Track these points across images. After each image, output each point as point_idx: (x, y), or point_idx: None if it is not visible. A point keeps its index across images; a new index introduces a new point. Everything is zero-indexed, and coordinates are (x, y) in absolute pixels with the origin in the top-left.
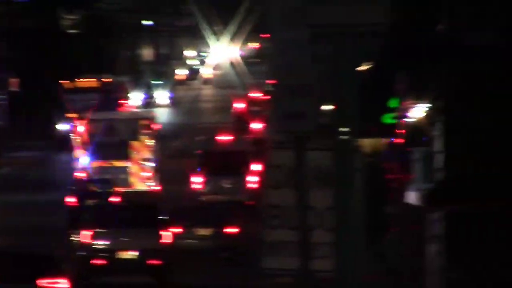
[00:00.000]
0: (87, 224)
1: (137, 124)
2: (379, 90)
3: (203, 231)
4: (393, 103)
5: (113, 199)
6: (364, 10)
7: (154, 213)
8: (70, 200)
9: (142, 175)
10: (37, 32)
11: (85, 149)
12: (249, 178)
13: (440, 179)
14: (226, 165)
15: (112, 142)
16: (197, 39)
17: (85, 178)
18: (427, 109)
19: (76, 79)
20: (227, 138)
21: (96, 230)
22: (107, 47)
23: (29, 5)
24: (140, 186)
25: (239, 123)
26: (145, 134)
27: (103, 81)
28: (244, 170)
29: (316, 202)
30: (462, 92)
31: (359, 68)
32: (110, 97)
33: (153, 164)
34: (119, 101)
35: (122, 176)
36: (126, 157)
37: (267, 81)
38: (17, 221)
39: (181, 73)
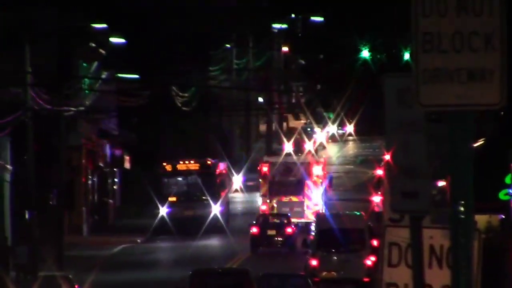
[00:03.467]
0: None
1: (309, 166)
2: (494, 167)
3: None
4: (507, 179)
5: (289, 229)
6: (479, 88)
7: None
8: (253, 230)
9: (313, 208)
10: (148, 110)
11: (267, 187)
12: (366, 254)
13: None
14: (343, 240)
15: (290, 181)
16: (306, 116)
17: (267, 212)
18: None
19: (176, 162)
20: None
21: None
22: (218, 124)
23: (139, 83)
24: (312, 217)
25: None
26: (316, 176)
27: (202, 163)
28: (361, 246)
29: (432, 280)
30: None
31: (474, 145)
32: (210, 180)
33: (322, 199)
34: (219, 183)
35: (297, 209)
36: (301, 193)
37: (383, 158)
38: None
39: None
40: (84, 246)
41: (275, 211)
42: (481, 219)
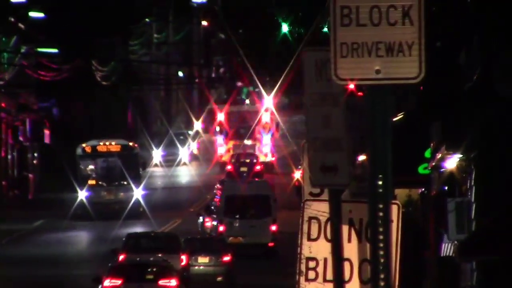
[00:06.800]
0: None
1: (260, 114)
2: (413, 141)
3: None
4: (427, 153)
5: (258, 167)
6: (398, 62)
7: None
8: (229, 167)
9: (263, 150)
10: (68, 84)
11: (223, 133)
12: (271, 220)
13: (473, 229)
14: (249, 206)
15: (243, 127)
16: (228, 91)
17: (232, 154)
18: (460, 159)
19: (97, 143)
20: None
21: None
22: (138, 98)
23: (59, 57)
24: (262, 158)
25: None
26: (265, 122)
27: (124, 145)
28: (267, 212)
29: (352, 254)
30: (494, 142)
31: (393, 119)
32: (131, 162)
33: (270, 143)
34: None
35: (250, 151)
36: (252, 137)
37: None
38: None
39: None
40: (4, 220)
41: (231, 152)
42: (401, 193)
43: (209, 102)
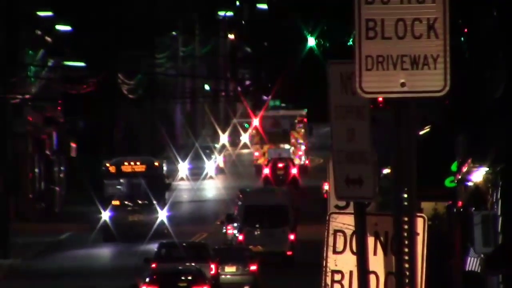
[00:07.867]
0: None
1: (294, 119)
2: (439, 154)
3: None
4: (453, 166)
5: (294, 170)
6: (423, 75)
7: None
8: (266, 171)
9: (298, 153)
10: (94, 97)
11: (259, 137)
12: (290, 229)
13: (499, 243)
14: (268, 216)
15: (279, 131)
16: (253, 104)
17: (266, 156)
18: (487, 172)
19: (121, 162)
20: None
21: None
22: (164, 112)
23: (85, 71)
24: (297, 161)
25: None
26: (299, 126)
27: (148, 164)
28: (285, 222)
29: (377, 267)
30: None
31: (419, 132)
32: (156, 182)
33: (304, 146)
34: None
35: (284, 154)
36: (288, 141)
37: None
38: None
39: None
40: (31, 233)
41: (266, 156)
42: (428, 206)
43: (235, 115)
